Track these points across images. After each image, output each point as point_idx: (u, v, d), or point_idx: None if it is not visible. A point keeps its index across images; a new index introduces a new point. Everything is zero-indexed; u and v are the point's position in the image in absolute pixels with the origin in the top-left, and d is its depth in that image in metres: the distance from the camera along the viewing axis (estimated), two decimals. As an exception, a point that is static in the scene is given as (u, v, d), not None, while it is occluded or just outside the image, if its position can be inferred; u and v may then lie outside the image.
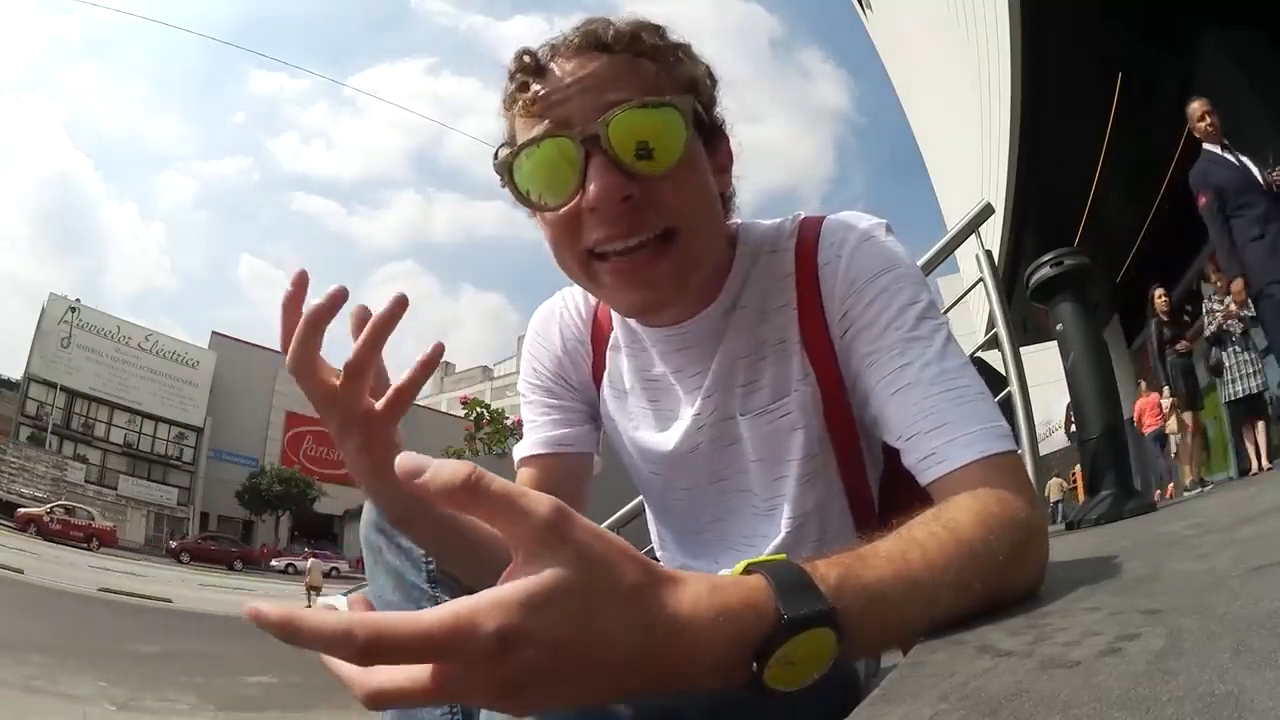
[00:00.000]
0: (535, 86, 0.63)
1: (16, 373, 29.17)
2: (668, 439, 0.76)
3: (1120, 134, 6.75)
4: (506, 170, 0.65)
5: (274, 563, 24.15)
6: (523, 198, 0.65)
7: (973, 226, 2.24)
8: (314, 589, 16.87)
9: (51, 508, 20.79)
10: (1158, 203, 7.62)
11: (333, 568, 22.54)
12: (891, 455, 0.74)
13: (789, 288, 0.71)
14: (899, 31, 14.40)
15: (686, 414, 0.75)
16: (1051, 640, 0.40)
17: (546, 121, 0.63)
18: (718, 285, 0.72)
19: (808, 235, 0.71)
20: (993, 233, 7.93)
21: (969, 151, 10.06)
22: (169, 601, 10.99)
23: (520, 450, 0.83)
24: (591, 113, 0.61)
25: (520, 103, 0.64)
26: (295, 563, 22.58)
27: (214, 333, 34.43)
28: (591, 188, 0.60)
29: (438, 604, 0.73)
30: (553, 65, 0.64)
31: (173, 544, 24.31)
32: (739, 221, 0.75)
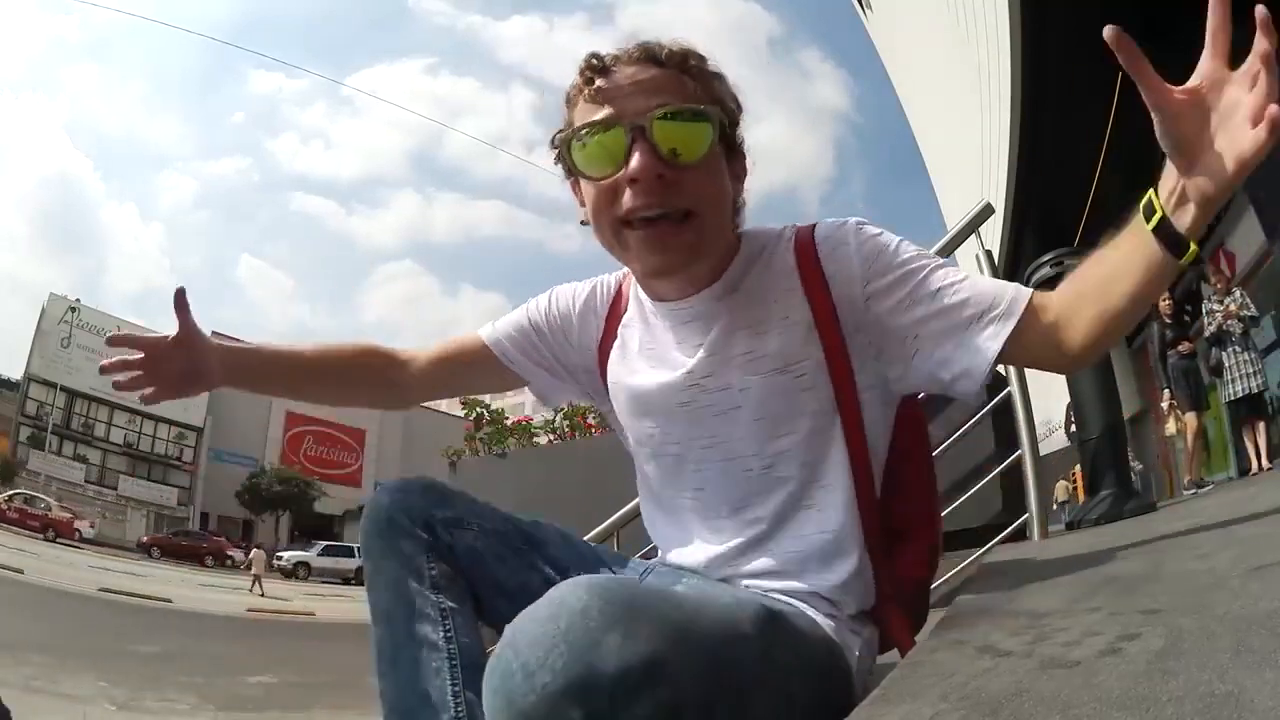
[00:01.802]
0: (599, 83, 0.78)
1: (16, 373, 29.21)
2: (661, 379, 0.84)
3: (1120, 134, 6.74)
4: (566, 146, 0.79)
5: (231, 554, 23.71)
6: (574, 169, 0.80)
7: (973, 226, 2.23)
8: (258, 578, 16.99)
9: (10, 495, 20.59)
10: (1158, 203, 7.60)
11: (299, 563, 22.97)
12: (900, 421, 0.85)
13: (793, 278, 0.82)
14: (899, 31, 14.40)
15: (683, 365, 0.83)
16: (1051, 640, 0.40)
17: (605, 110, 0.77)
18: (720, 272, 0.83)
19: (804, 237, 0.84)
20: (993, 233, 7.93)
21: (969, 151, 10.05)
22: (169, 601, 11.00)
23: (486, 328, 0.99)
24: (642, 110, 0.75)
25: (585, 94, 0.79)
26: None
27: (214, 333, 33.89)
28: (634, 163, 0.74)
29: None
30: (615, 69, 0.78)
31: (144, 539, 23.88)
32: (743, 228, 0.87)
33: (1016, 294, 0.75)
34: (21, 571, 10.66)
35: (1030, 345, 0.74)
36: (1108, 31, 0.59)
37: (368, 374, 1.00)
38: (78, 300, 30.34)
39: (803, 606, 0.75)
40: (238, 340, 1.06)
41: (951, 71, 10.40)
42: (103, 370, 0.89)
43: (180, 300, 0.89)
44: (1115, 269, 0.70)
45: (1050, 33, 6.23)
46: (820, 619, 0.75)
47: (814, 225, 0.84)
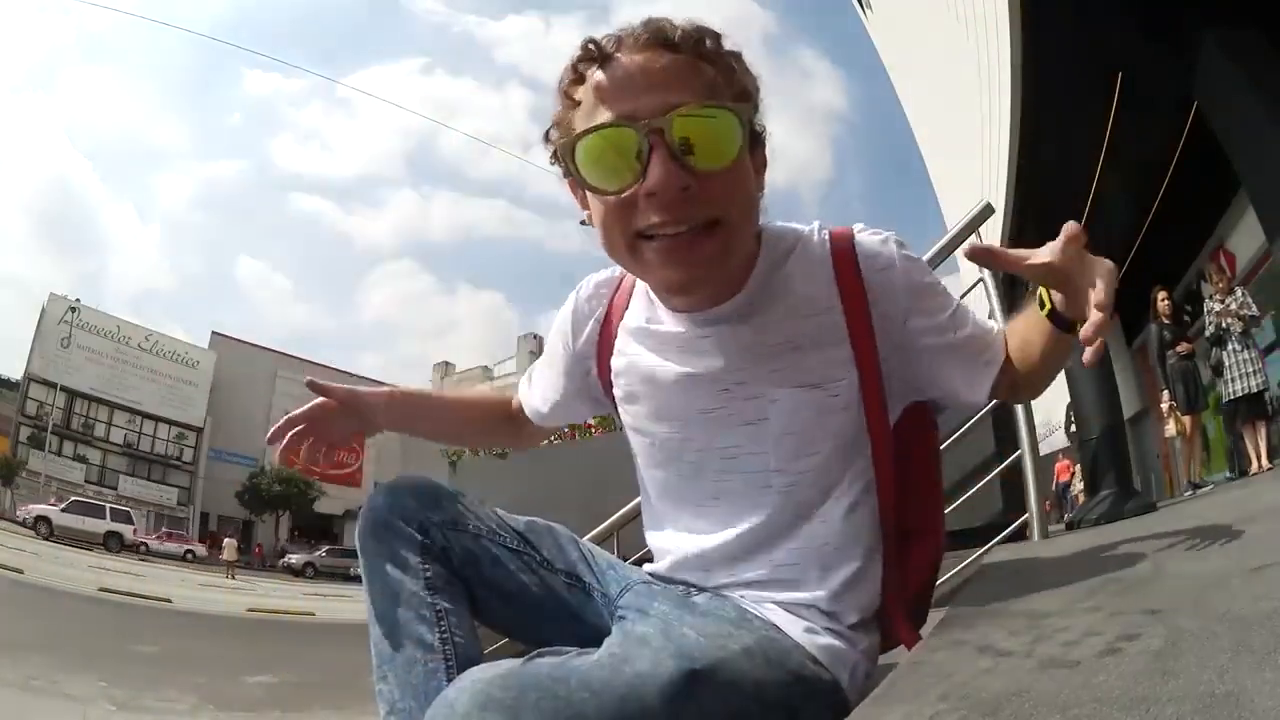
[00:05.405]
0: (600, 76, 0.68)
1: (16, 373, 29.19)
2: (686, 386, 0.79)
3: (1120, 134, 6.74)
4: (568, 153, 0.70)
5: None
6: (579, 179, 0.71)
7: (973, 226, 2.23)
8: (230, 564, 16.97)
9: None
10: (1158, 203, 7.62)
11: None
12: (903, 434, 0.82)
13: (832, 291, 0.77)
14: (899, 31, 14.40)
15: (710, 370, 0.78)
16: (1051, 640, 0.40)
17: (612, 110, 0.67)
18: (743, 278, 0.77)
19: (843, 246, 0.79)
20: (993, 233, 7.93)
21: (969, 151, 10.05)
22: (169, 601, 10.99)
23: (524, 393, 1.01)
24: (657, 107, 0.66)
25: (584, 89, 0.69)
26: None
27: (214, 333, 34.47)
28: (653, 175, 0.66)
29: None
30: (619, 56, 0.68)
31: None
32: (763, 222, 0.81)
33: (999, 340, 0.82)
34: (21, 571, 10.66)
35: (996, 385, 0.81)
36: (966, 249, 0.74)
37: (502, 425, 1.06)
38: (78, 300, 30.35)
39: (793, 621, 0.73)
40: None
41: (951, 72, 10.40)
42: (269, 440, 0.92)
43: (316, 387, 0.94)
44: (1026, 338, 0.79)
45: (1050, 32, 6.23)
46: (809, 638, 0.72)
47: (851, 233, 0.80)
